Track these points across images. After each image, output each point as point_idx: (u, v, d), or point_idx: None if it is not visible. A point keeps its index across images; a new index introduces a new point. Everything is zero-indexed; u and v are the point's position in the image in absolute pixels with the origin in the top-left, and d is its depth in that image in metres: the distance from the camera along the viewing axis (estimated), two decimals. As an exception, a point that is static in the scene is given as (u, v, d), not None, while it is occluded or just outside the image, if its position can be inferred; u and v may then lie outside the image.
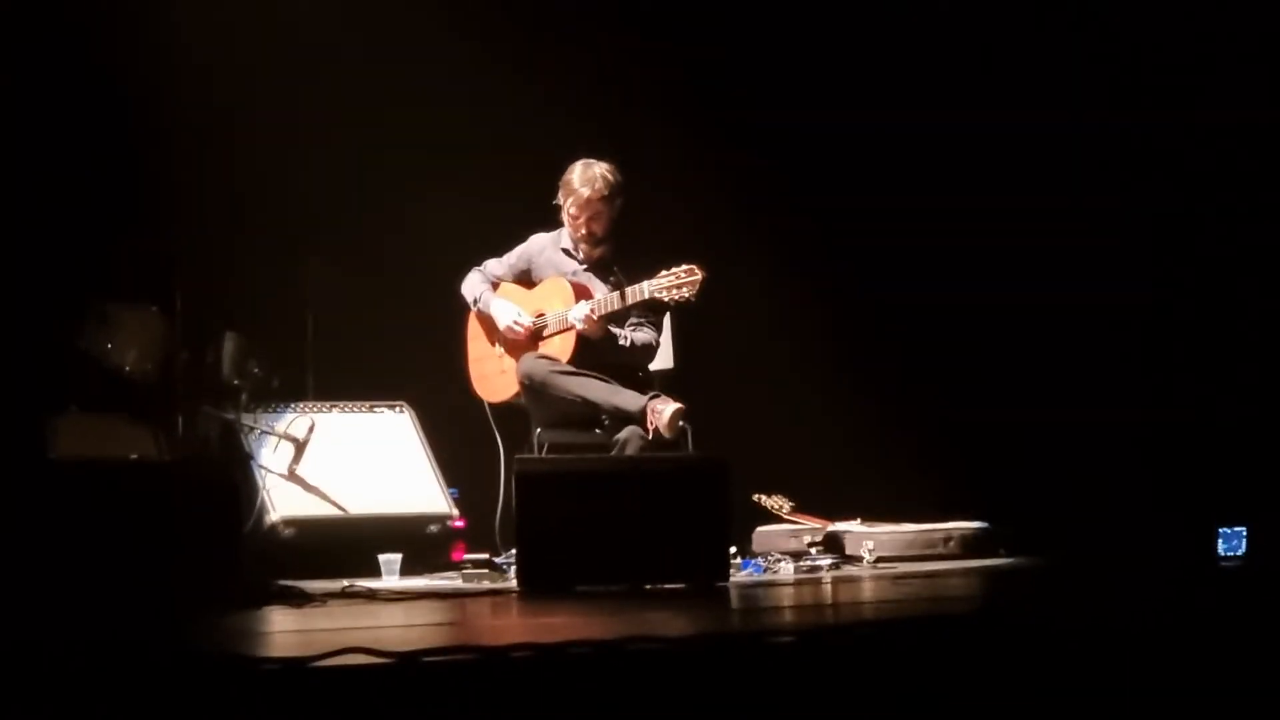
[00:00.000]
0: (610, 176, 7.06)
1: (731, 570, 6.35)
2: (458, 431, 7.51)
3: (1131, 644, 4.21)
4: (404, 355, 7.83)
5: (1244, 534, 6.98)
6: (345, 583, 6.14)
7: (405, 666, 3.63)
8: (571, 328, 6.98)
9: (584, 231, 7.10)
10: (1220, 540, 7.03)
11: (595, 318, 6.89)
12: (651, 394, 6.82)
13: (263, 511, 6.98)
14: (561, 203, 7.14)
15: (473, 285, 7.33)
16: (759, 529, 7.62)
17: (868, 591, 6.21)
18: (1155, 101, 7.77)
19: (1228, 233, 7.73)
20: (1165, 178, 7.84)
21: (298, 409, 7.31)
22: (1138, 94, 7.83)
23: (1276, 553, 6.90)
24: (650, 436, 6.72)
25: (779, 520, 7.66)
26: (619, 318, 7.01)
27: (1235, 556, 6.97)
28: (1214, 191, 7.74)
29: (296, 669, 3.59)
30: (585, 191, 7.04)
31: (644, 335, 7.09)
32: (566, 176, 7.12)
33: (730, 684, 3.88)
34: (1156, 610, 4.92)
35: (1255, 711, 4.14)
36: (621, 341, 7.03)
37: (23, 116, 7.20)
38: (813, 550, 7.18)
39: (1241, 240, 7.71)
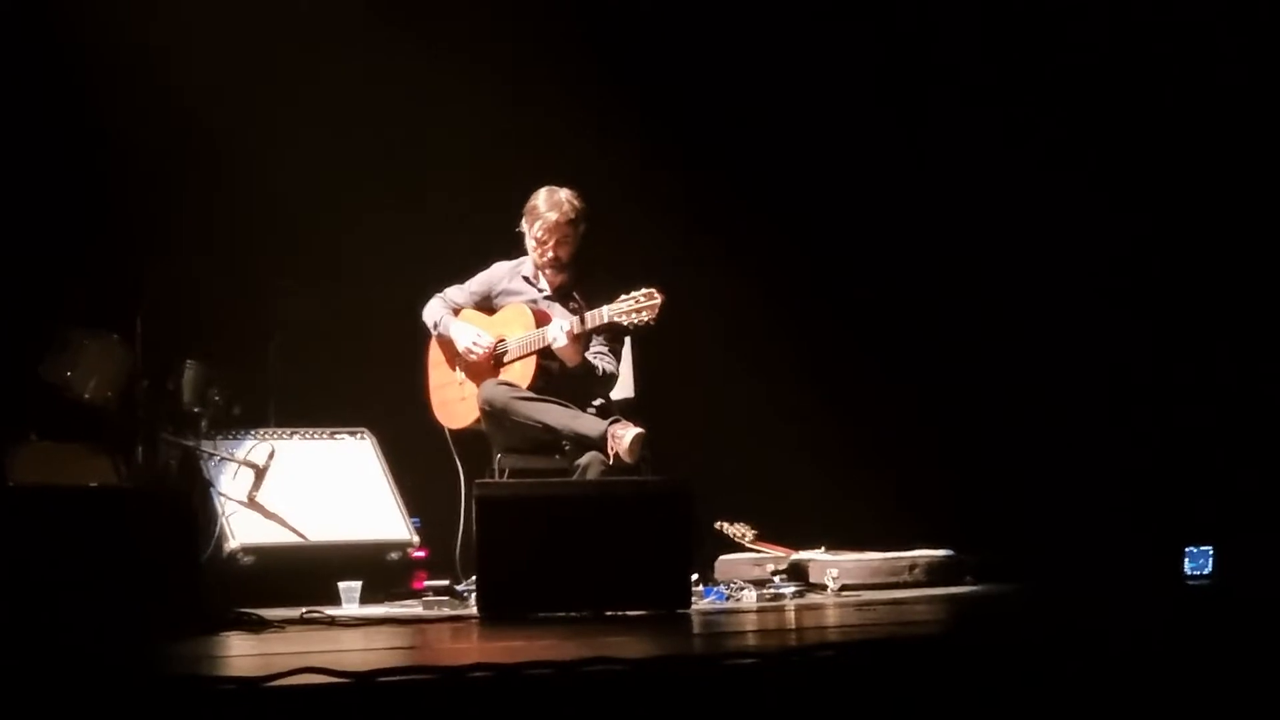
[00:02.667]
0: (576, 202, 7.06)
1: (694, 597, 6.32)
2: (419, 458, 7.47)
3: (1098, 665, 4.20)
4: (365, 382, 7.80)
5: (1210, 553, 6.98)
6: (304, 609, 6.10)
7: (361, 687, 3.60)
8: (532, 353, 6.96)
9: (550, 256, 7.08)
10: (1186, 559, 7.04)
11: (575, 333, 6.86)
12: (612, 419, 6.80)
13: (222, 539, 6.95)
14: (526, 229, 7.13)
15: (433, 311, 7.30)
16: (722, 557, 7.60)
17: (831, 617, 6.19)
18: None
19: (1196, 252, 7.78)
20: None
21: (258, 436, 7.28)
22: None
23: (1243, 572, 6.90)
24: (611, 461, 6.69)
25: (742, 549, 7.64)
26: (583, 343, 6.98)
27: (1202, 575, 6.97)
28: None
29: (252, 689, 3.56)
30: (553, 216, 7.03)
31: (607, 363, 7.08)
32: (531, 202, 7.11)
33: (691, 705, 3.86)
34: (1122, 631, 4.91)
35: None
36: (596, 371, 7.00)
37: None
38: (776, 578, 7.15)
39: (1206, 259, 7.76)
